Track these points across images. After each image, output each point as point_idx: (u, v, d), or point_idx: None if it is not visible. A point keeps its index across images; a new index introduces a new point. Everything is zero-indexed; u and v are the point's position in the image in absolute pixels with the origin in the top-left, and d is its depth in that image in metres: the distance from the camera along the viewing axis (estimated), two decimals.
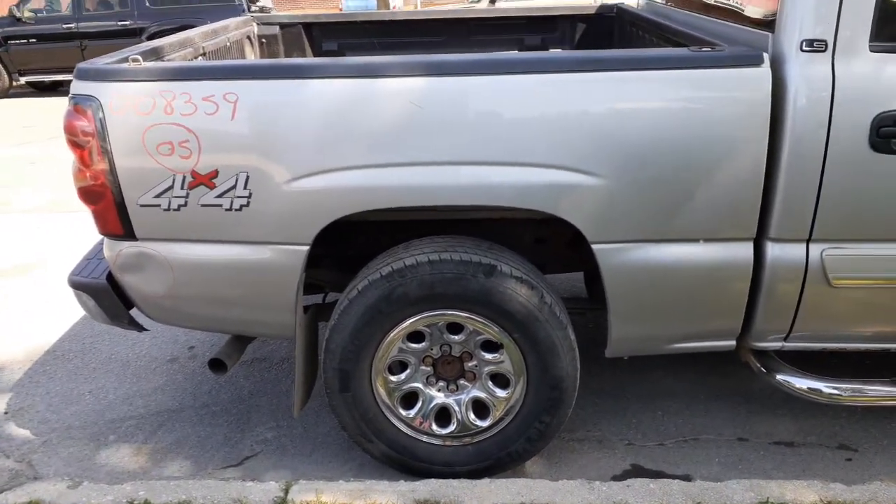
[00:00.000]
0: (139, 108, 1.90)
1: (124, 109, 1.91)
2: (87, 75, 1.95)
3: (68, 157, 2.01)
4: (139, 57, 2.02)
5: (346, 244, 2.33)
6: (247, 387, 2.86)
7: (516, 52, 3.32)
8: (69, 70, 10.52)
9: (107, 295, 2.19)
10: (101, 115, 1.91)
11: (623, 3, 3.49)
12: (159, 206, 1.98)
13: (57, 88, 11.38)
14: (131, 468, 2.43)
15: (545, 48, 3.52)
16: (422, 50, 3.46)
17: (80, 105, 1.94)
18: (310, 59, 1.86)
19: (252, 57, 3.41)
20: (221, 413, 2.70)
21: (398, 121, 1.84)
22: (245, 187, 1.93)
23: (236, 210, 1.96)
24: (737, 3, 2.18)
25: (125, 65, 1.96)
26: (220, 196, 1.94)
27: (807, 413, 2.53)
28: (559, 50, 3.48)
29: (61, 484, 2.20)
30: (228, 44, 3.05)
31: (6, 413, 2.75)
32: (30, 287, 3.88)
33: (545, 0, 11.39)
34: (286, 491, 2.10)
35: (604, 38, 3.51)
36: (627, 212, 1.88)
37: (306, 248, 1.99)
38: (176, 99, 1.89)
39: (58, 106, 9.83)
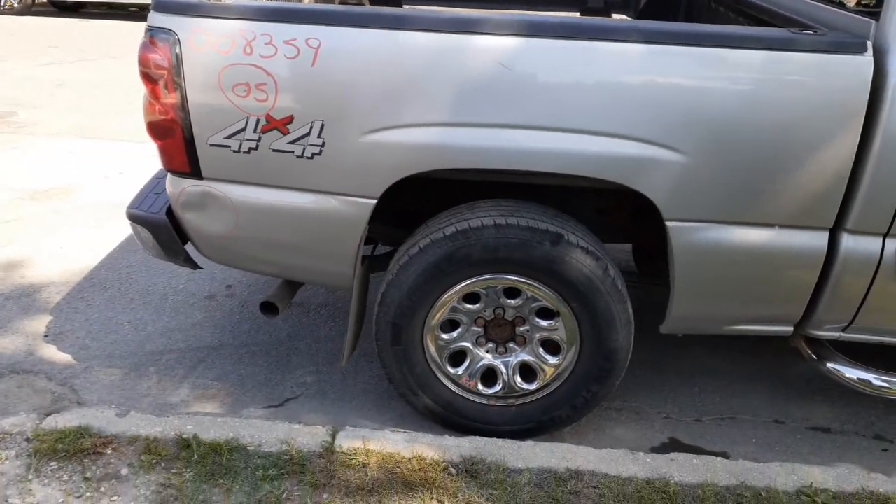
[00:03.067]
0: (218, 45, 1.86)
1: (202, 46, 1.87)
2: (166, 8, 1.90)
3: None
4: None
5: (401, 198, 2.32)
6: (286, 330, 2.88)
7: (613, 18, 3.21)
8: None
9: (165, 230, 2.19)
10: (177, 49, 1.88)
11: None
12: (229, 147, 1.96)
13: (79, 10, 11.17)
14: (173, 401, 2.46)
15: (608, 12, 3.44)
16: (485, 4, 3.38)
17: (155, 38, 1.90)
18: (399, 10, 1.80)
19: None
20: (261, 353, 2.73)
21: (485, 81, 1.81)
22: (319, 136, 1.91)
23: (307, 158, 1.94)
24: None
25: (207, 0, 1.92)
26: (292, 142, 1.92)
27: (843, 401, 2.55)
28: (623, 16, 3.40)
29: (109, 412, 2.22)
30: None
31: (46, 336, 2.78)
32: (67, 211, 3.87)
33: None
34: (333, 436, 2.12)
35: (669, 8, 3.42)
36: (706, 191, 1.86)
37: (374, 201, 1.98)
38: (256, 39, 1.85)
39: (83, 27, 9.67)
